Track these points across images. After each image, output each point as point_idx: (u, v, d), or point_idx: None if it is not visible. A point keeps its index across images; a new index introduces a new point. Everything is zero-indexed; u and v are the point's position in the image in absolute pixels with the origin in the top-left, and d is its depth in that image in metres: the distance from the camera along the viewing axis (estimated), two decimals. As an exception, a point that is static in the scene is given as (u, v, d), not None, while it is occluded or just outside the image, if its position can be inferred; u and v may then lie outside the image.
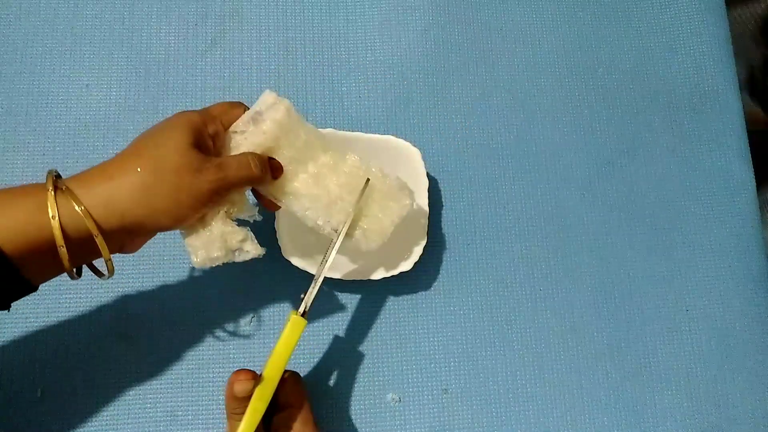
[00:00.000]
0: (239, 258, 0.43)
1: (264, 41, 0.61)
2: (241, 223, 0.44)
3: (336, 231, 0.46)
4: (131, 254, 0.42)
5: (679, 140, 0.63)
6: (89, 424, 0.51)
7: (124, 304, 0.54)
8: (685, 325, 0.59)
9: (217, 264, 0.43)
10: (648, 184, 0.62)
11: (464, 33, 0.63)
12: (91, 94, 0.58)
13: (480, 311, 0.57)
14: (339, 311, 0.56)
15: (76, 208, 0.36)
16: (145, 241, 0.42)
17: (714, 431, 0.56)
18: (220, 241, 0.42)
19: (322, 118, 0.60)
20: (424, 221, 0.55)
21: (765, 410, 0.57)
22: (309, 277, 0.46)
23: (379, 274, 0.53)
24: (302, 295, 0.45)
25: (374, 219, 0.48)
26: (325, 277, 0.46)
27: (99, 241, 0.37)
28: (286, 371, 0.47)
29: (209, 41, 0.60)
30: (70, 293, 0.53)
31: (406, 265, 0.53)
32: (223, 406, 0.46)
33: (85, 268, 0.41)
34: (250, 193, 0.46)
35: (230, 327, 0.54)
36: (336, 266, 0.53)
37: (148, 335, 0.53)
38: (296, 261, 0.52)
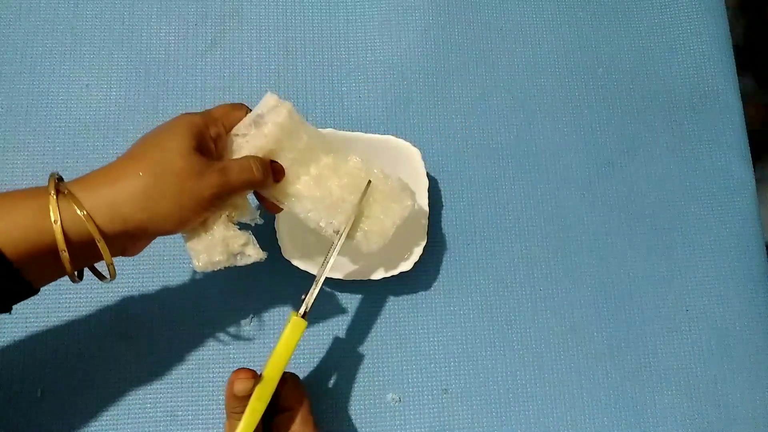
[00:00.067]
0: (241, 262, 0.43)
1: (264, 41, 0.61)
2: (242, 226, 0.44)
3: (338, 233, 0.46)
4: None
5: (679, 140, 0.63)
6: (89, 424, 0.51)
7: (125, 304, 0.54)
8: (685, 325, 0.59)
9: (218, 268, 0.43)
10: (648, 184, 0.62)
11: (464, 33, 0.63)
12: (91, 94, 0.58)
13: (480, 311, 0.57)
14: (339, 311, 0.56)
15: (78, 212, 0.36)
16: (147, 244, 0.42)
17: (714, 431, 0.56)
18: (221, 245, 0.42)
19: (322, 118, 0.59)
20: (425, 221, 0.55)
21: (765, 410, 0.57)
22: (309, 278, 0.46)
23: (379, 275, 0.53)
24: (303, 296, 0.45)
25: (375, 220, 0.48)
26: (325, 277, 0.46)
27: (101, 245, 0.37)
28: (285, 372, 0.47)
29: (209, 41, 0.60)
30: (70, 293, 0.53)
31: (406, 266, 0.53)
32: (224, 406, 0.46)
33: (86, 269, 0.41)
34: (252, 196, 0.46)
35: (230, 327, 0.54)
36: (336, 266, 0.53)
37: (148, 335, 0.53)
38: (296, 262, 0.52)
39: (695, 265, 0.60)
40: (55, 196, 0.36)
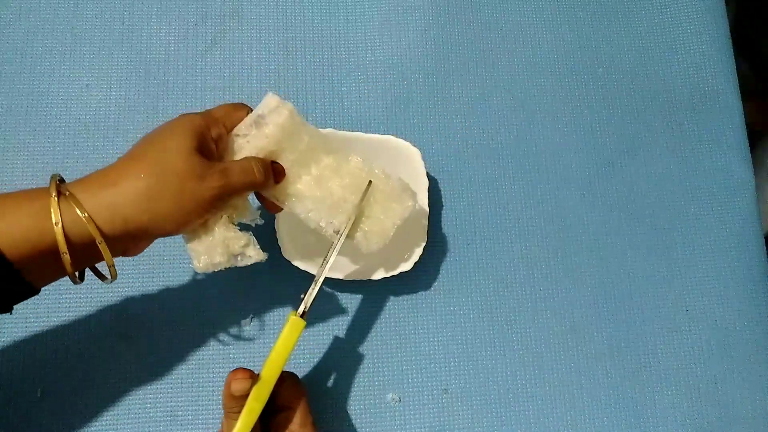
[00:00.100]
0: (241, 263, 0.43)
1: (264, 41, 0.61)
2: (242, 227, 0.44)
3: (338, 233, 0.46)
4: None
5: (679, 140, 0.63)
6: (89, 424, 0.51)
7: (125, 304, 0.54)
8: (685, 325, 0.59)
9: (219, 269, 0.43)
10: (648, 184, 0.62)
11: (464, 33, 0.63)
12: (91, 94, 0.58)
13: (480, 311, 0.57)
14: (339, 311, 0.56)
15: (79, 213, 0.36)
16: (148, 245, 0.42)
17: (714, 431, 0.56)
18: (222, 246, 0.42)
19: (322, 118, 0.59)
20: (425, 221, 0.55)
21: (765, 410, 0.57)
22: (309, 278, 0.46)
23: (379, 275, 0.53)
24: (302, 296, 0.45)
25: (376, 220, 0.48)
26: (325, 277, 0.46)
27: (102, 247, 0.37)
28: (284, 372, 0.47)
29: (209, 41, 0.60)
30: (70, 293, 0.53)
31: (406, 266, 0.53)
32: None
33: (87, 270, 0.41)
34: (252, 196, 0.46)
35: (230, 327, 0.54)
36: (336, 266, 0.53)
37: (148, 335, 0.53)
38: (296, 262, 0.52)
39: (695, 265, 0.60)
40: (56, 198, 0.36)
